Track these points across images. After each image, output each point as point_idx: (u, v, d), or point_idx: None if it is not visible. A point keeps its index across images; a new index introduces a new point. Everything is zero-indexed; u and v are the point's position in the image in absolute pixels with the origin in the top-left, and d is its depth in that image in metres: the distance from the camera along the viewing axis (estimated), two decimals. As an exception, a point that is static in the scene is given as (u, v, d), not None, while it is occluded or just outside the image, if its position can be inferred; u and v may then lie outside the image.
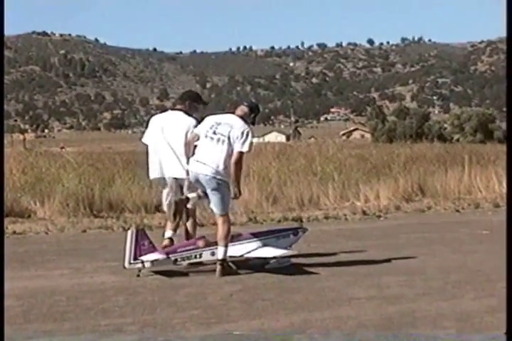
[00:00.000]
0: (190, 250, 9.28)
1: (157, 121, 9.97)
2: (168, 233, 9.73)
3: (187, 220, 9.78)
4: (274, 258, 9.46)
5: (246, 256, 9.49)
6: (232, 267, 9.23)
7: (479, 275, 9.03)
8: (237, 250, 9.44)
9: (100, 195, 16.21)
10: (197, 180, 9.27)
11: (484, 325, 6.60)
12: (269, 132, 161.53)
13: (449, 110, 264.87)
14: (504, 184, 18.65)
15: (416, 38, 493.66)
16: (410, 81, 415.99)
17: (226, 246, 9.18)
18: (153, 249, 9.17)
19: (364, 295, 7.89)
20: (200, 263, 9.46)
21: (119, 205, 16.17)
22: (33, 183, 17.05)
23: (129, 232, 9.18)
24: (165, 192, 9.80)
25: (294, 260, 9.72)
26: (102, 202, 16.12)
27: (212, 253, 9.29)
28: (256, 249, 9.51)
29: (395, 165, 21.77)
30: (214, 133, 9.22)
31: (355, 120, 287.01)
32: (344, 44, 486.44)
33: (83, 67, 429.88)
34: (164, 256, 9.13)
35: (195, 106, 9.95)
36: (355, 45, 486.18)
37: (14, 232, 13.44)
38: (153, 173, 9.88)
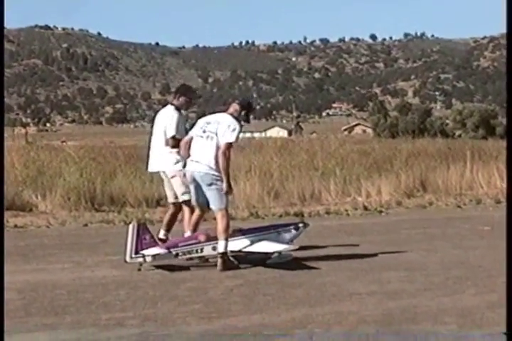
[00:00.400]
0: (191, 244, 9.28)
1: (157, 116, 10.36)
2: (161, 234, 9.97)
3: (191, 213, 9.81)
4: (276, 253, 9.46)
5: (247, 250, 9.50)
6: (233, 261, 9.24)
7: (480, 270, 9.03)
8: (238, 245, 9.45)
9: (102, 189, 16.23)
10: (193, 179, 9.43)
11: (485, 320, 6.60)
12: (271, 127, 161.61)
13: (451, 106, 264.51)
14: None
15: (418, 34, 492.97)
16: (412, 76, 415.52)
17: (226, 239, 9.20)
18: (154, 243, 9.19)
19: (365, 290, 7.89)
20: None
21: (120, 199, 16.19)
22: (35, 177, 17.06)
23: (131, 226, 9.19)
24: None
25: (295, 255, 9.72)
26: (103, 196, 16.14)
27: (214, 248, 9.30)
28: (257, 243, 9.52)
29: (397, 160, 21.76)
30: (204, 131, 9.50)
31: (357, 115, 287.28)
32: (347, 39, 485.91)
33: (85, 61, 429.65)
34: (165, 251, 9.14)
35: (186, 100, 10.18)
36: (358, 40, 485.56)
37: (16, 226, 13.45)
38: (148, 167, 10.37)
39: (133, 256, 9.01)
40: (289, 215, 14.92)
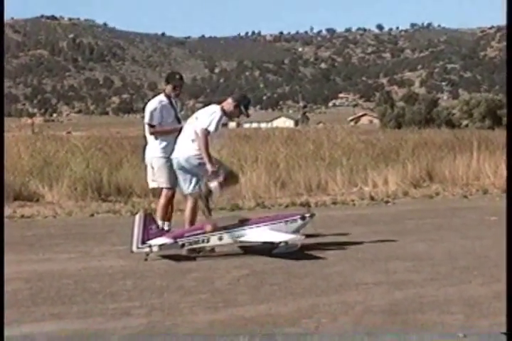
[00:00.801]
0: (197, 234, 9.29)
1: None
2: (165, 225, 9.96)
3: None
4: (282, 243, 9.46)
5: (254, 240, 9.50)
6: None
7: (487, 260, 9.02)
8: (245, 235, 9.45)
9: (108, 180, 16.25)
10: (180, 166, 9.72)
11: (492, 310, 6.60)
12: (278, 117, 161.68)
13: (458, 96, 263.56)
14: None
15: (425, 24, 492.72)
16: (419, 66, 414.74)
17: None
18: (160, 233, 9.20)
19: (371, 280, 7.89)
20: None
21: (127, 189, 16.20)
22: (41, 167, 17.08)
23: (137, 216, 9.21)
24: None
25: (301, 245, 9.72)
26: (110, 187, 16.16)
27: (220, 238, 9.32)
28: (264, 233, 9.52)
29: (404, 150, 21.74)
30: (189, 122, 9.85)
31: (364, 105, 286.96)
32: (353, 29, 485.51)
33: (92, 52, 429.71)
34: (172, 241, 9.15)
35: (172, 87, 10.27)
36: (364, 30, 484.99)
37: (22, 216, 13.48)
38: None
39: (139, 246, 9.03)
40: (295, 205, 14.91)
